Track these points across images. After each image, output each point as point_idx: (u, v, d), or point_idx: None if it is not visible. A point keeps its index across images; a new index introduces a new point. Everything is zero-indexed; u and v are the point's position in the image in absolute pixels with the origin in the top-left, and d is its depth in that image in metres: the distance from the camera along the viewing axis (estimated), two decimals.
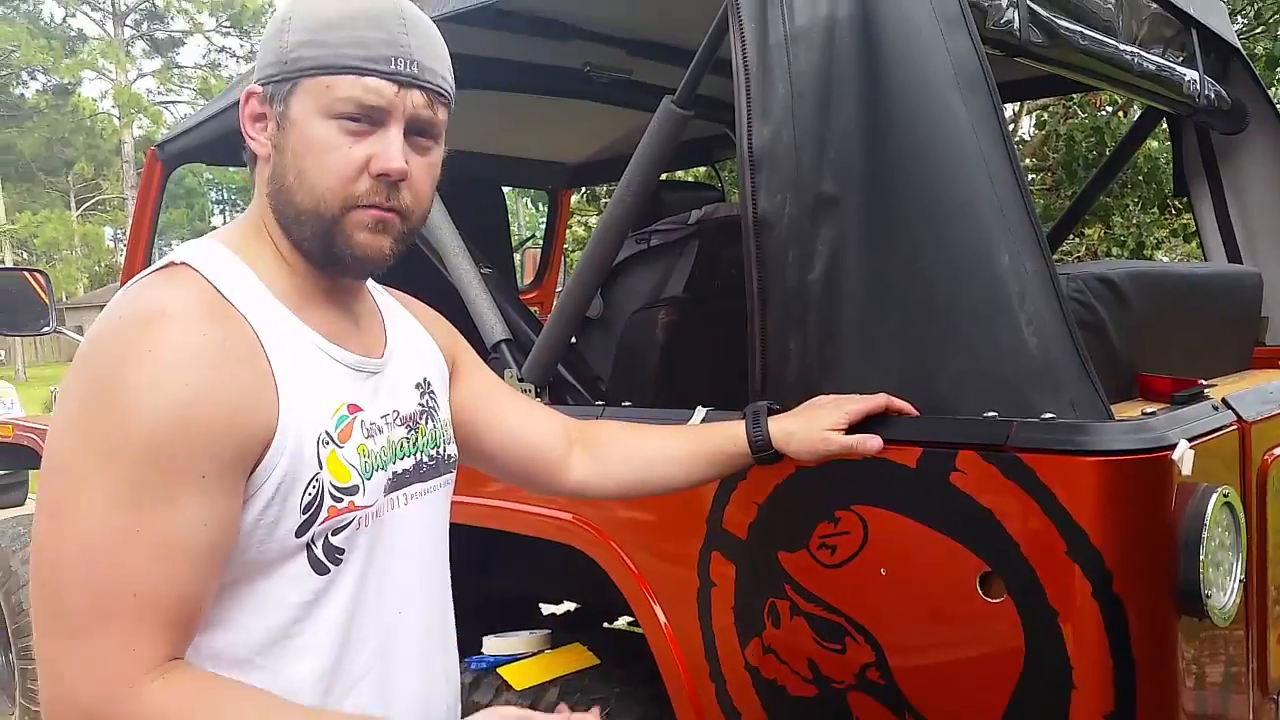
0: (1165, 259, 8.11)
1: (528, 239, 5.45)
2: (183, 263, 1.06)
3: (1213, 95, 2.35)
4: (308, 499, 1.04)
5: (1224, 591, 1.32)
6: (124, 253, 3.14)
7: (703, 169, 6.21)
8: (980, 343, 1.35)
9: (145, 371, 0.95)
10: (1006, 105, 5.24)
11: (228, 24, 33.96)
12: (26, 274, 3.43)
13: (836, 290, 1.43)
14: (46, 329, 3.41)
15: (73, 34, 34.41)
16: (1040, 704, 1.26)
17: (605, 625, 2.60)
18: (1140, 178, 6.98)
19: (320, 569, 1.07)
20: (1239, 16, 7.06)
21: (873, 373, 1.41)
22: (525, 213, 13.96)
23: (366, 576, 1.12)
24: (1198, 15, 2.31)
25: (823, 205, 1.44)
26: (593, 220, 9.41)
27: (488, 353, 1.95)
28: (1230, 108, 2.45)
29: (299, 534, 1.04)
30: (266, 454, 1.01)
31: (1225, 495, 1.31)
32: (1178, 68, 2.23)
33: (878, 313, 1.41)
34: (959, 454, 1.30)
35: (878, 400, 1.35)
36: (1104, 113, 7.29)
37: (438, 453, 1.25)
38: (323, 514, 1.06)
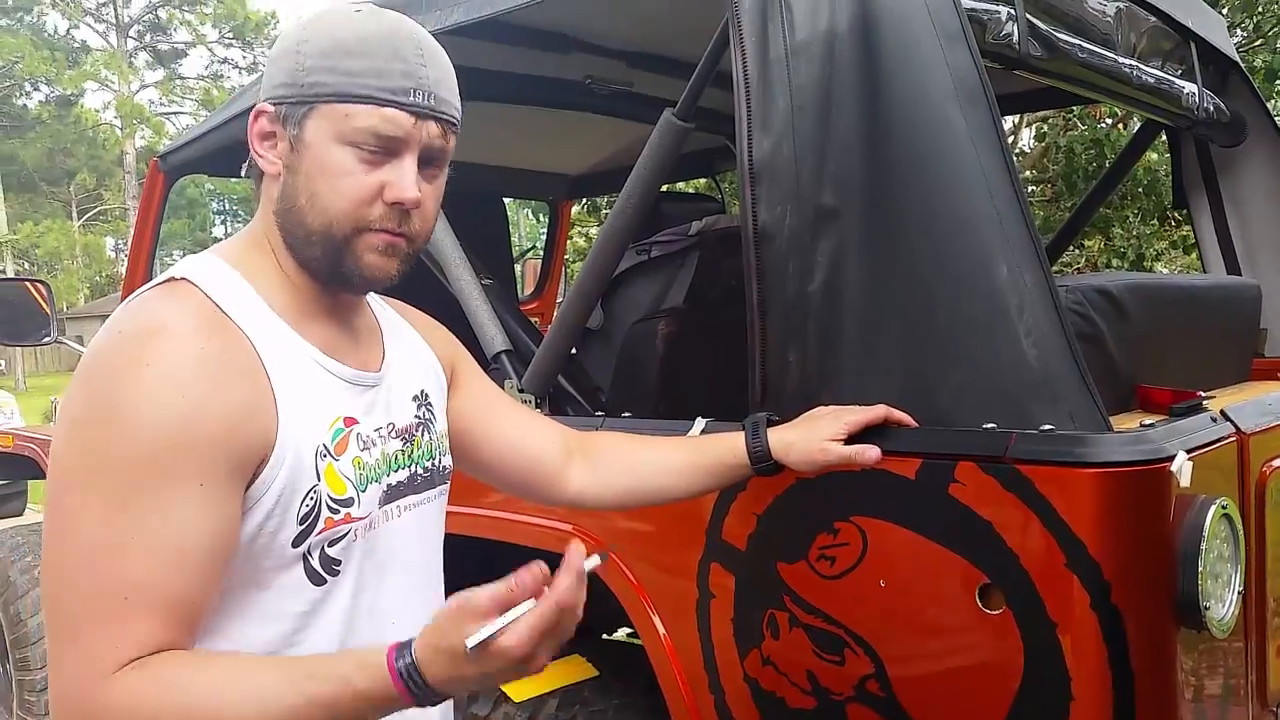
0: (1165, 271, 8.12)
1: (528, 250, 5.46)
2: (182, 278, 1.07)
3: (1211, 108, 2.35)
4: (305, 510, 1.05)
5: (1223, 603, 1.32)
6: (125, 263, 3.15)
7: (703, 181, 6.23)
8: (979, 354, 1.35)
9: (143, 384, 0.96)
10: (1006, 117, 5.25)
11: (230, 36, 34.10)
12: (28, 284, 3.44)
13: (836, 302, 1.44)
14: (47, 339, 3.41)
15: (76, 46, 34.56)
16: (1039, 716, 1.26)
17: (604, 636, 2.59)
18: (1140, 190, 6.99)
19: (317, 580, 1.08)
20: (1238, 30, 7.08)
21: (872, 384, 1.41)
22: (526, 224, 13.99)
23: (362, 587, 1.13)
24: (1196, 29, 2.32)
25: (823, 217, 1.45)
26: (593, 231, 9.42)
27: (488, 363, 1.95)
28: (1229, 120, 2.46)
29: (295, 544, 1.05)
30: (265, 466, 1.02)
31: (1224, 507, 1.31)
32: (1177, 81, 2.23)
33: (877, 324, 1.42)
34: (958, 465, 1.30)
35: (877, 411, 1.36)
36: (1104, 125, 7.31)
37: (433, 465, 1.26)
38: (319, 525, 1.07)
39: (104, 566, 0.94)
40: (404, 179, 1.08)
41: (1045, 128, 7.95)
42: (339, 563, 1.10)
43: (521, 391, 1.89)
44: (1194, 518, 1.27)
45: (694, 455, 1.44)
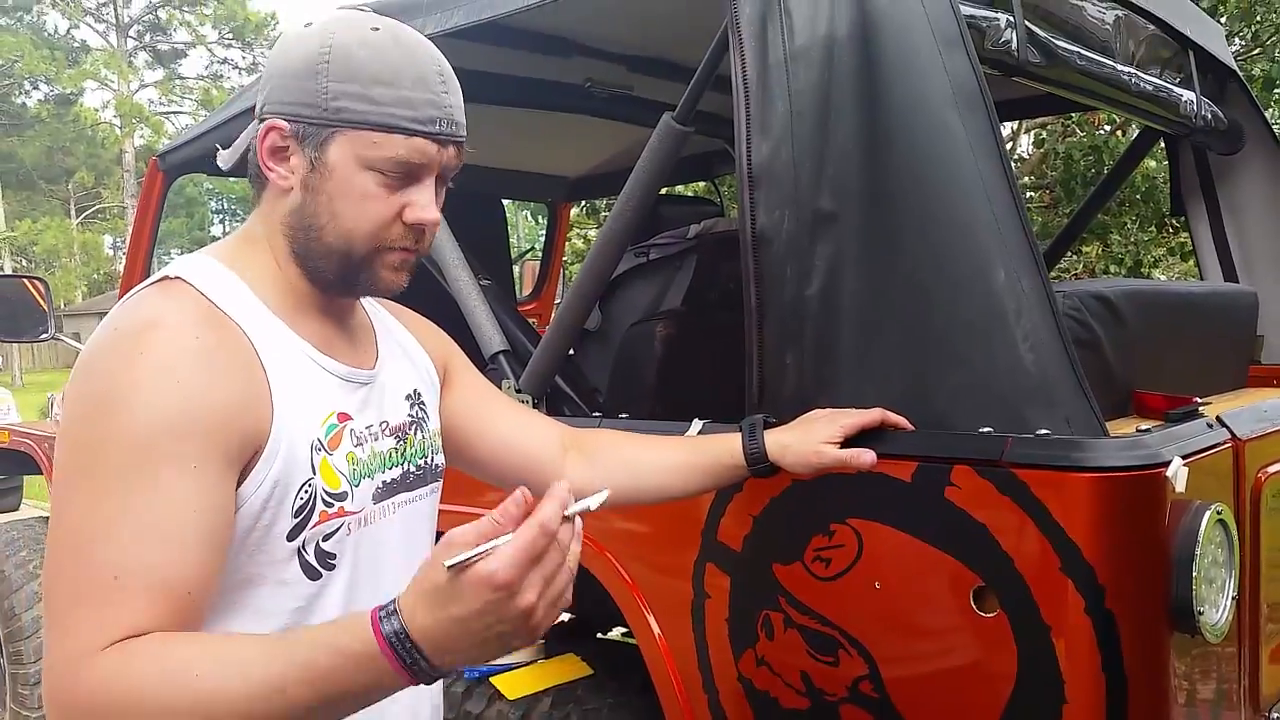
0: (1162, 277, 8.13)
1: (527, 251, 5.46)
2: (177, 276, 1.08)
3: (1209, 116, 2.36)
4: (300, 503, 1.06)
5: (1217, 608, 1.33)
6: (123, 261, 3.15)
7: (702, 184, 6.24)
8: (976, 359, 1.36)
9: (138, 374, 0.97)
10: (1005, 123, 5.26)
11: (230, 36, 34.09)
12: (26, 281, 3.44)
13: (834, 305, 1.44)
14: (45, 336, 3.42)
15: (76, 45, 34.55)
16: (1032, 719, 1.27)
17: (599, 635, 2.59)
18: (1138, 196, 7.00)
19: (312, 574, 1.09)
20: (1236, 39, 7.10)
21: (869, 387, 1.41)
22: (525, 225, 13.99)
23: (356, 583, 1.13)
24: (1195, 37, 2.32)
25: (821, 221, 1.45)
26: (592, 234, 9.42)
27: (486, 364, 1.96)
28: (1227, 128, 2.47)
29: (290, 538, 1.06)
30: (259, 459, 1.03)
31: (1219, 513, 1.31)
32: (1175, 88, 2.24)
33: (875, 328, 1.42)
34: (954, 469, 1.31)
35: (873, 415, 1.36)
36: (1102, 132, 7.32)
37: (425, 463, 1.27)
38: (314, 518, 1.08)
39: (92, 550, 0.93)
40: (426, 203, 1.12)
41: (1044, 134, 7.97)
42: (334, 557, 1.11)
43: (519, 392, 1.90)
44: (1189, 523, 1.28)
45: (691, 455, 1.44)
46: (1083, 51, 1.88)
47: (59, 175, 37.51)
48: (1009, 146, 8.29)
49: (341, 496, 1.10)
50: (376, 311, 1.32)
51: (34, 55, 29.06)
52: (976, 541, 1.29)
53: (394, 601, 0.88)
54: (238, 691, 0.88)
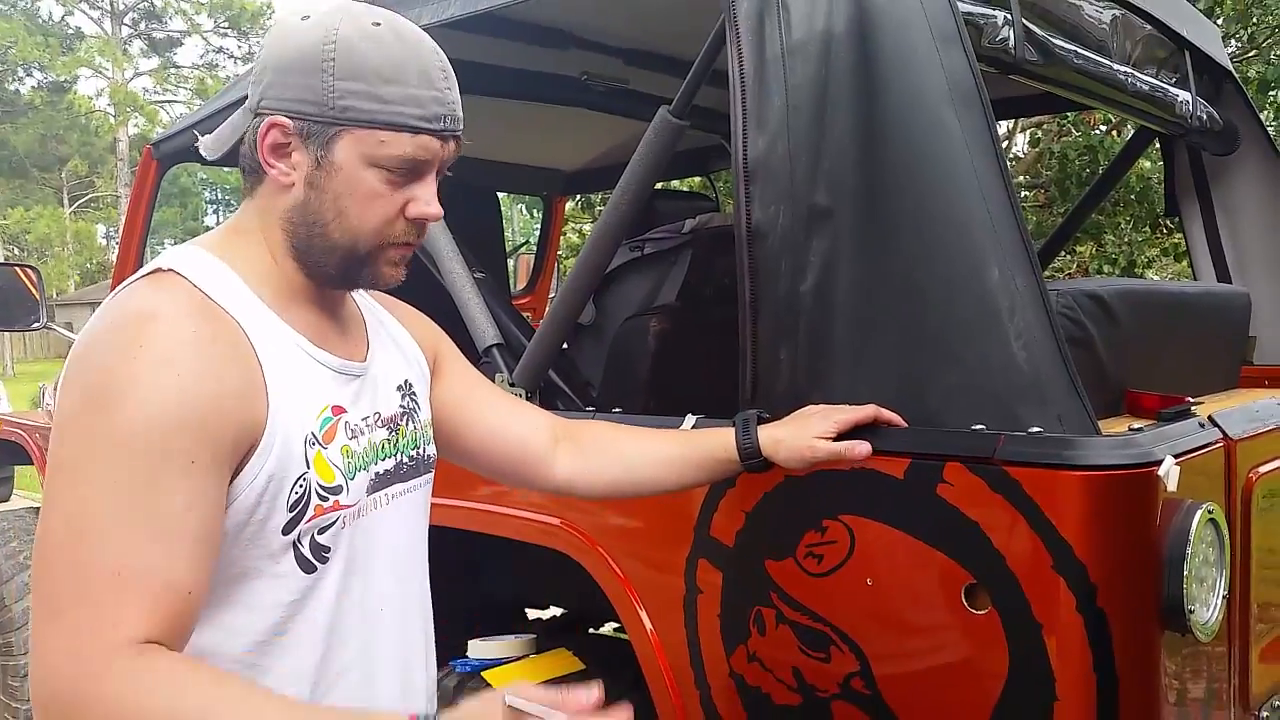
0: (1156, 277, 8.15)
1: (522, 245, 5.46)
2: (169, 269, 1.07)
3: (1205, 116, 2.37)
4: (295, 498, 1.06)
5: (1207, 607, 1.33)
6: (116, 250, 3.14)
7: (698, 179, 6.24)
8: (970, 356, 1.36)
9: (137, 366, 0.97)
10: (1000, 122, 5.27)
11: (225, 25, 33.96)
12: (18, 269, 3.43)
13: (828, 301, 1.44)
14: (37, 325, 3.40)
15: (70, 31, 34.38)
16: (1023, 716, 1.27)
17: (591, 631, 2.60)
18: (1132, 196, 7.03)
19: (307, 567, 1.09)
20: (1232, 40, 7.11)
21: (862, 384, 1.41)
22: (520, 219, 13.98)
23: (350, 574, 1.14)
24: (1191, 38, 2.33)
25: (816, 217, 1.45)
26: (587, 228, 9.41)
27: (479, 357, 1.95)
28: (1222, 129, 2.47)
29: (285, 532, 1.06)
30: (255, 451, 1.03)
31: (1210, 512, 1.32)
32: (1171, 89, 2.25)
33: (869, 324, 1.42)
34: (946, 466, 1.31)
35: (867, 411, 1.36)
36: (1098, 131, 7.34)
37: (418, 453, 1.27)
38: (309, 513, 1.08)
39: (93, 545, 0.93)
40: (430, 198, 1.13)
41: (1039, 133, 7.98)
42: (328, 550, 1.11)
43: (512, 385, 1.89)
44: (1180, 522, 1.28)
45: (684, 448, 1.44)
46: (1080, 50, 1.88)
47: (52, 163, 37.37)
48: (1004, 145, 8.30)
49: (337, 490, 1.10)
50: (366, 301, 1.32)
51: (28, 41, 28.91)
52: (968, 539, 1.29)
53: (438, 714, 0.96)
54: None
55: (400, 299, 1.39)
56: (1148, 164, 6.74)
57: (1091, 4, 2.01)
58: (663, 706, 1.64)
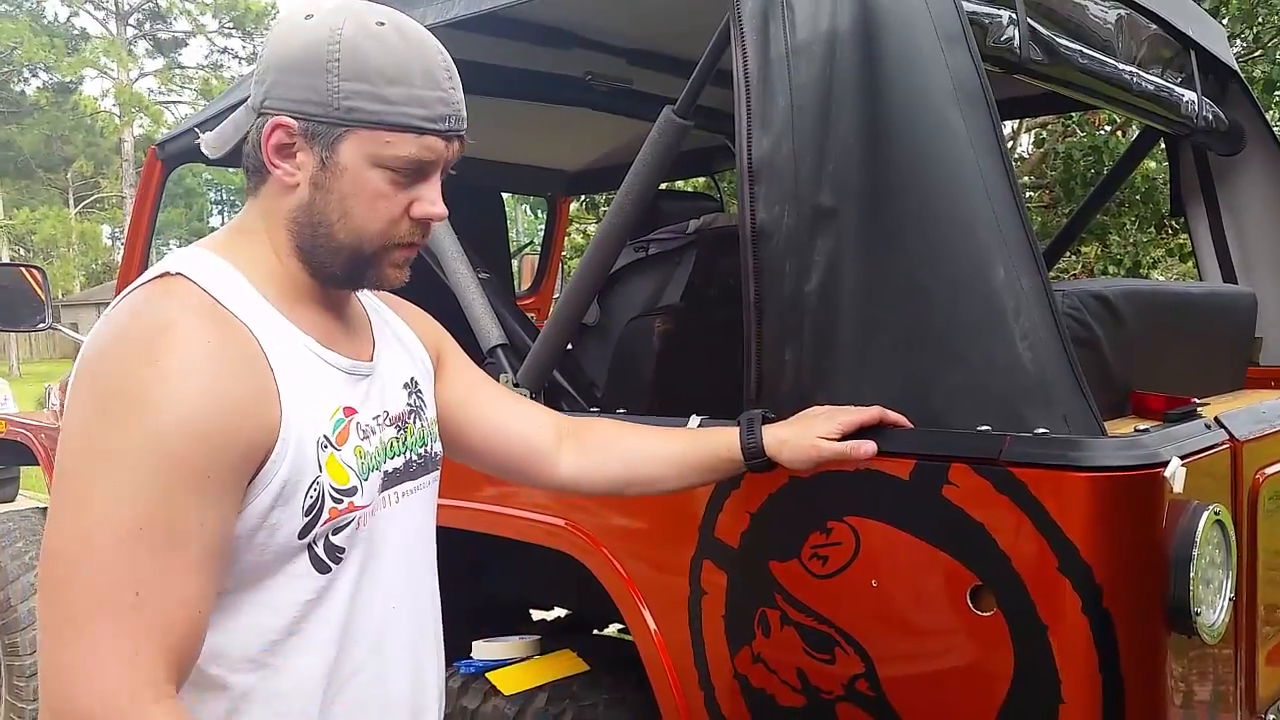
0: (1161, 278, 8.14)
1: (526, 245, 5.46)
2: (177, 273, 1.06)
3: (1210, 116, 2.36)
4: (309, 502, 1.06)
5: (1214, 609, 1.33)
6: (121, 251, 3.14)
7: (702, 179, 6.23)
8: (975, 357, 1.35)
9: (154, 381, 0.96)
10: (1005, 122, 5.26)
11: (230, 25, 33.99)
12: (23, 270, 3.43)
13: (833, 301, 1.44)
14: (42, 325, 3.41)
15: (75, 32, 34.45)
16: (1028, 718, 1.27)
17: (595, 632, 2.60)
18: (1137, 197, 7.01)
19: (322, 568, 1.09)
20: (1238, 40, 7.10)
21: (867, 384, 1.41)
22: (525, 219, 13.99)
23: (363, 573, 1.14)
24: (1196, 37, 2.32)
25: (821, 217, 1.45)
26: (591, 228, 9.42)
27: (484, 357, 1.95)
28: (1228, 129, 2.47)
29: (301, 536, 1.06)
30: (269, 458, 1.03)
31: (1216, 513, 1.31)
32: (1176, 88, 2.24)
33: (873, 324, 1.42)
34: (952, 467, 1.31)
35: (872, 412, 1.36)
36: (1102, 132, 7.32)
37: (425, 451, 1.27)
38: (324, 516, 1.08)
39: (110, 556, 0.92)
40: (435, 198, 1.13)
41: (1044, 133, 7.97)
42: (343, 550, 1.11)
43: (517, 386, 1.89)
44: (1187, 523, 1.27)
45: (688, 448, 1.44)
46: (1085, 50, 1.88)
47: (57, 164, 37.44)
48: (1009, 145, 8.29)
49: (351, 492, 1.10)
50: (370, 300, 1.31)
51: (33, 42, 28.94)
52: (974, 540, 1.28)
53: None
54: None
55: (404, 299, 1.39)
56: (1153, 164, 6.72)
57: (1097, 3, 2.00)
58: (667, 708, 1.63)
